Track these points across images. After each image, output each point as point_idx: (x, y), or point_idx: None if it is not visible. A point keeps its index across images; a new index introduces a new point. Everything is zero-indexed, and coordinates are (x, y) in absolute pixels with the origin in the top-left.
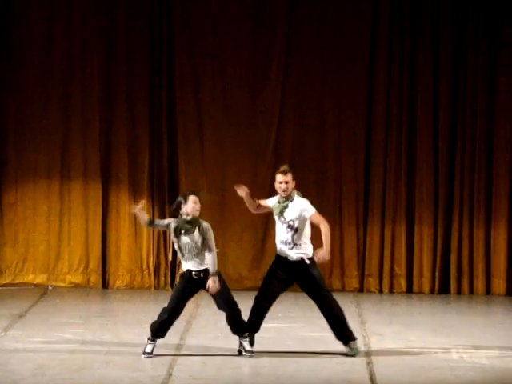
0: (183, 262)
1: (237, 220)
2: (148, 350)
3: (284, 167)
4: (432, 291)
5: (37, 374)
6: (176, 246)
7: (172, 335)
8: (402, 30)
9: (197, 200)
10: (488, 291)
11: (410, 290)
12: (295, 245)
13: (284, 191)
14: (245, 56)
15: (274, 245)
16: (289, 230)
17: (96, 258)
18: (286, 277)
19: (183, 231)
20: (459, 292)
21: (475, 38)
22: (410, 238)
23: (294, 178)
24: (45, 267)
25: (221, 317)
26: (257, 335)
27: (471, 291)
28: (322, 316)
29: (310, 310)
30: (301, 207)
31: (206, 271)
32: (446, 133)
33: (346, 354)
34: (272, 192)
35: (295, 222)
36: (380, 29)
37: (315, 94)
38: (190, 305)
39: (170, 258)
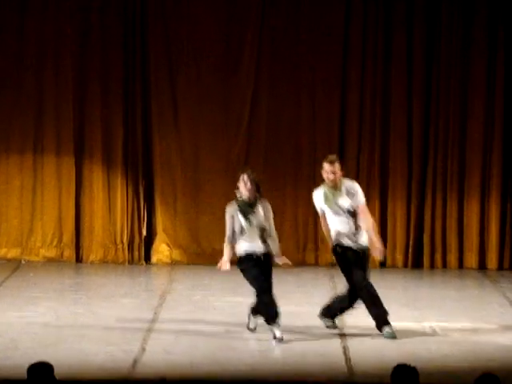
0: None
1: (210, 196)
2: (278, 335)
3: (332, 156)
4: (405, 265)
5: (10, 348)
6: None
7: (145, 310)
8: (377, 9)
9: (245, 179)
10: (461, 265)
11: (383, 265)
12: (358, 232)
13: (332, 181)
14: (219, 37)
15: None
16: (351, 216)
17: (69, 232)
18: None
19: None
20: (432, 266)
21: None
22: (384, 213)
23: (342, 167)
24: (18, 241)
25: (194, 292)
26: (231, 310)
27: (444, 265)
28: (296, 291)
29: (284, 284)
30: (356, 192)
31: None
32: (420, 109)
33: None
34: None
35: (354, 208)
36: (355, 7)
37: (289, 75)
38: (164, 280)
39: (144, 232)
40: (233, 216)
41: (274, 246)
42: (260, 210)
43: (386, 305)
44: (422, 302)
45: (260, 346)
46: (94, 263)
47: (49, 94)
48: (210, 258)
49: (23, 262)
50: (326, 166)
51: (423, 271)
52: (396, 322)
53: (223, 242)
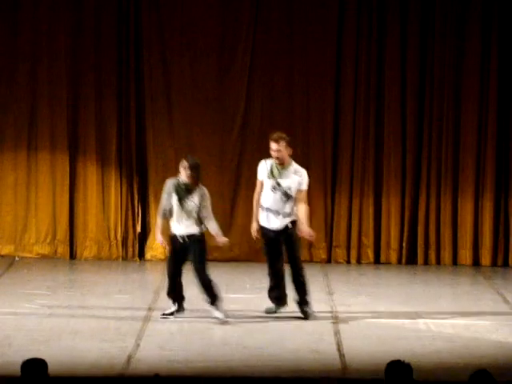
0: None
1: None
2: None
3: (276, 134)
4: (399, 262)
5: (3, 345)
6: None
7: (140, 306)
8: (370, 10)
9: (185, 165)
10: (455, 262)
11: (377, 261)
12: (284, 214)
13: (278, 159)
14: (213, 31)
15: (242, 218)
16: (284, 196)
17: (63, 228)
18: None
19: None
20: (426, 263)
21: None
22: (378, 209)
23: (290, 146)
24: (12, 238)
25: (188, 287)
26: (225, 306)
27: (438, 262)
28: (289, 287)
29: None
30: (300, 177)
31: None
32: (414, 105)
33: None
34: (239, 166)
35: (292, 191)
36: (349, 5)
37: (283, 71)
38: (158, 276)
39: (138, 229)
40: (169, 193)
41: (213, 227)
42: (196, 197)
43: (381, 300)
44: (416, 299)
45: (255, 342)
46: (88, 260)
47: (42, 91)
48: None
49: (17, 258)
50: (271, 144)
51: (417, 268)
52: (390, 318)
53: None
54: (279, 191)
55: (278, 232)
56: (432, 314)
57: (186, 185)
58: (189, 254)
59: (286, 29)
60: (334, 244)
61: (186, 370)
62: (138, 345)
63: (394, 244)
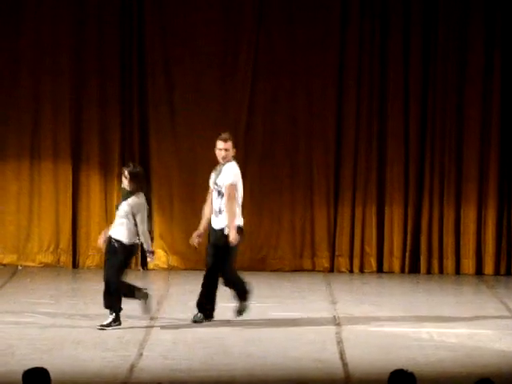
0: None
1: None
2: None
3: (225, 134)
4: (402, 271)
5: (6, 354)
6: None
7: (142, 315)
8: (372, 12)
9: (124, 173)
10: (457, 271)
11: (380, 270)
12: (220, 212)
13: (223, 158)
14: (216, 39)
15: (244, 227)
16: (218, 196)
17: (66, 237)
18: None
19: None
20: (429, 272)
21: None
22: (381, 218)
23: (235, 147)
24: (14, 247)
25: (191, 297)
26: (228, 315)
27: (441, 271)
28: (291, 296)
29: (281, 290)
30: (227, 172)
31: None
32: (417, 113)
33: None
34: (242, 173)
35: (223, 188)
36: (351, 11)
37: (286, 79)
38: (161, 285)
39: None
40: None
41: (142, 239)
42: (128, 204)
43: (384, 309)
44: (418, 308)
45: (258, 351)
46: (91, 269)
47: (45, 99)
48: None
49: (20, 267)
50: (219, 143)
51: (420, 277)
52: (393, 327)
53: None
54: (216, 190)
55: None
56: (435, 323)
57: (123, 190)
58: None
59: (289, 35)
60: (336, 253)
61: (189, 379)
62: (141, 354)
63: (397, 253)
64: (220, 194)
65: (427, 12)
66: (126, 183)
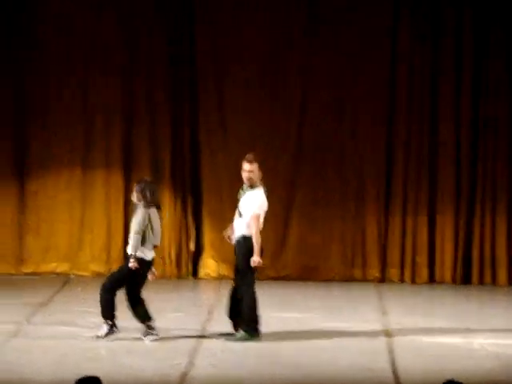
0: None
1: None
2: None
3: (250, 156)
4: (454, 281)
5: (59, 363)
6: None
7: (193, 325)
8: (424, 33)
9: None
10: (510, 281)
11: (431, 280)
12: (237, 228)
13: (249, 180)
14: (266, 50)
15: (295, 237)
16: (238, 215)
17: (118, 247)
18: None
19: None
20: (481, 282)
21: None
22: (432, 228)
23: (261, 169)
24: (67, 256)
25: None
26: (278, 325)
27: (493, 281)
28: (341, 306)
29: (331, 300)
30: (253, 201)
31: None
32: (469, 123)
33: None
34: (292, 187)
35: (244, 210)
36: (400, 30)
37: (335, 91)
38: (211, 294)
39: (191, 247)
40: None
41: (129, 245)
42: (134, 214)
43: (435, 320)
44: (470, 318)
45: (308, 361)
46: None
47: (97, 110)
48: (258, 273)
49: (72, 276)
50: (244, 165)
51: (472, 287)
52: (444, 338)
53: (270, 256)
54: (238, 208)
55: (234, 246)
56: (487, 334)
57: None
58: None
59: (338, 58)
60: (387, 263)
61: None
62: (192, 363)
63: (449, 263)
64: (240, 214)
65: (478, 38)
66: (133, 196)
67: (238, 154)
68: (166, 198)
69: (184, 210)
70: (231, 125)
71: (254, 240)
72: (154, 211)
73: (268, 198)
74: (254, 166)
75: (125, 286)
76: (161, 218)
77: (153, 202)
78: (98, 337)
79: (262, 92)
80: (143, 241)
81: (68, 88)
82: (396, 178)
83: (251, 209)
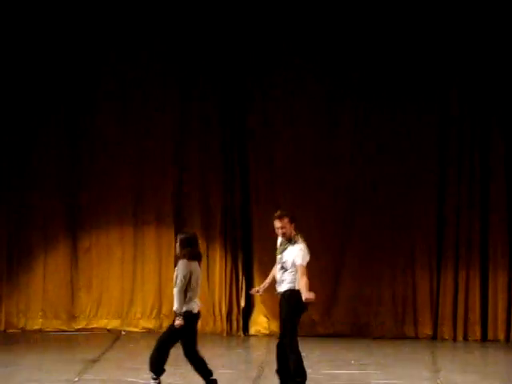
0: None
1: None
2: None
3: (278, 212)
4: (507, 339)
5: None
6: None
7: (244, 381)
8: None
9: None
10: None
11: (484, 338)
12: (282, 282)
13: (284, 235)
14: (315, 103)
15: (345, 293)
16: (281, 269)
17: (169, 303)
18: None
19: None
20: None
21: None
22: (485, 285)
23: (293, 221)
24: (118, 312)
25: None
26: (329, 382)
27: None
28: (394, 363)
29: (383, 357)
30: (298, 253)
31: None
32: None
33: None
34: (343, 240)
35: (288, 264)
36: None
37: (388, 157)
38: (262, 351)
39: (242, 303)
40: None
41: (175, 302)
42: (177, 267)
43: (489, 379)
44: None
45: None
46: None
47: (148, 165)
48: (309, 329)
49: (123, 332)
50: (276, 223)
51: None
52: None
53: (320, 312)
54: (279, 263)
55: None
56: None
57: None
58: None
59: (391, 123)
60: (439, 320)
61: None
62: None
63: (502, 320)
64: (283, 268)
65: None
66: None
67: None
68: (217, 254)
69: (235, 266)
70: (280, 181)
71: (305, 288)
72: (195, 264)
73: (317, 254)
74: (285, 221)
75: (181, 343)
76: (201, 269)
77: (193, 255)
78: None
79: (313, 155)
80: (187, 294)
81: (119, 143)
82: (447, 234)
83: (297, 262)
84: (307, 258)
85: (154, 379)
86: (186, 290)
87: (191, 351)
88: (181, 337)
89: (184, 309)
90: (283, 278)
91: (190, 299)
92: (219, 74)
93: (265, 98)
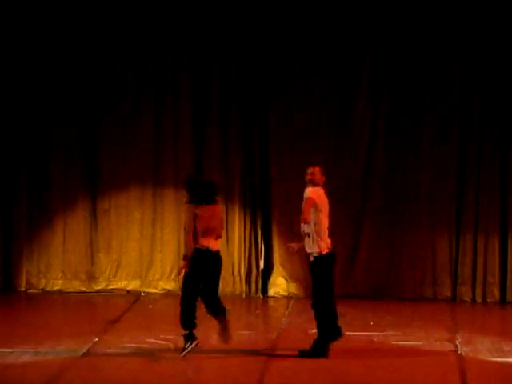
0: None
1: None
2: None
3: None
4: None
5: (129, 381)
6: None
7: (263, 342)
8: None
9: None
10: None
11: (503, 300)
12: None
13: (309, 181)
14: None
15: (365, 253)
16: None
17: None
18: None
19: None
20: None
21: None
22: (504, 247)
23: (323, 175)
24: (137, 273)
25: (311, 325)
26: (349, 343)
27: None
28: (413, 325)
29: (402, 318)
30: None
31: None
32: None
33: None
34: (365, 193)
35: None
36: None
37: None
38: (280, 313)
39: (261, 265)
40: None
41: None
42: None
43: (508, 340)
44: None
45: (378, 380)
46: None
47: (168, 130)
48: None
49: (143, 294)
50: (307, 169)
51: None
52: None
53: (340, 274)
54: None
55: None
56: None
57: None
58: None
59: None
60: (458, 281)
61: None
62: (262, 381)
63: None
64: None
65: None
66: None
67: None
68: (236, 216)
69: (254, 227)
70: (299, 143)
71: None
72: (202, 208)
73: (337, 218)
74: (316, 170)
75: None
76: (218, 212)
77: (197, 199)
78: (183, 352)
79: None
80: (196, 237)
81: (139, 108)
82: (467, 195)
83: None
84: (320, 203)
85: (184, 336)
86: (195, 233)
87: (209, 297)
88: (193, 280)
89: (199, 246)
90: (304, 230)
91: (201, 240)
92: (238, 36)
93: (284, 59)
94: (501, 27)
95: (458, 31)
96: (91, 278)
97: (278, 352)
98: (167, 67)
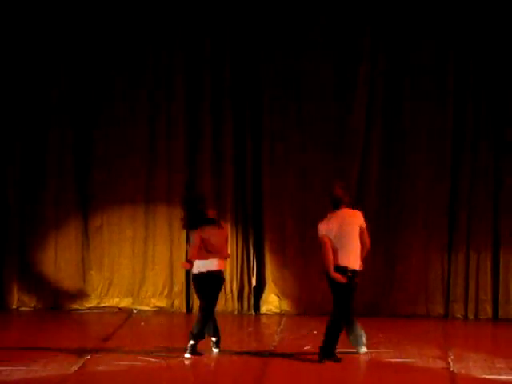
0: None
1: (318, 247)
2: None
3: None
4: None
5: None
6: None
7: (254, 359)
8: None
9: None
10: None
11: (495, 317)
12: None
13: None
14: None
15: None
16: None
17: (180, 281)
18: None
19: None
20: None
21: None
22: (496, 264)
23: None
24: (129, 291)
25: (304, 342)
26: (342, 361)
27: None
28: (406, 342)
29: (395, 335)
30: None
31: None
32: None
33: None
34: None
35: None
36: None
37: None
38: (273, 330)
39: (253, 282)
40: None
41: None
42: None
43: (500, 357)
44: None
45: None
46: None
47: (160, 145)
48: (320, 308)
49: (135, 311)
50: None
51: None
52: (509, 375)
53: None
54: None
55: None
56: None
57: None
58: None
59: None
60: (451, 298)
61: None
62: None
63: None
64: None
65: None
66: None
67: (298, 190)
68: (228, 233)
69: (246, 244)
70: (292, 157)
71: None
72: (204, 229)
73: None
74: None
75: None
76: (219, 230)
77: (199, 223)
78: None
79: (325, 126)
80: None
81: (131, 123)
82: (459, 212)
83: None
84: (328, 231)
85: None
86: (204, 253)
87: (204, 310)
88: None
89: (197, 270)
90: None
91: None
92: (233, 23)
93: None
94: (498, 30)
95: (452, 35)
96: (83, 295)
97: (270, 370)
98: (161, 69)
